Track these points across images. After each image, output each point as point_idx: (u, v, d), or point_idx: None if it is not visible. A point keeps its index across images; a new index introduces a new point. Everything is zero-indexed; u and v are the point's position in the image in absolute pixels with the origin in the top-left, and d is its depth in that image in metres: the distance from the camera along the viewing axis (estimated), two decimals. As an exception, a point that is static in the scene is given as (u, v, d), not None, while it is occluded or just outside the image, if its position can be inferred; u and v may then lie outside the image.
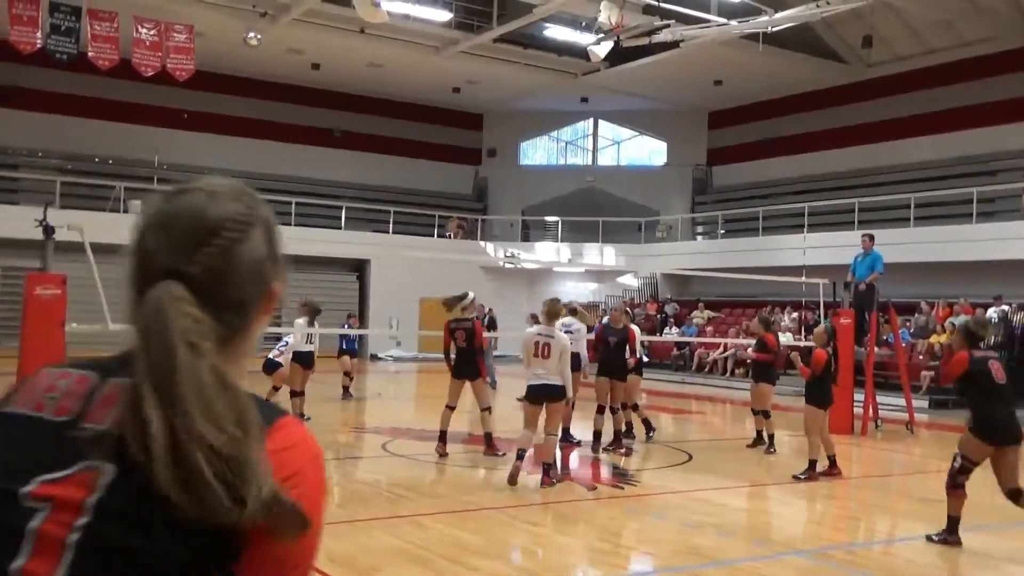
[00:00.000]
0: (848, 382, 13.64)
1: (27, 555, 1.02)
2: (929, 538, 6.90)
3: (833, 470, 9.75)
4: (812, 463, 9.59)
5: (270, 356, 12.94)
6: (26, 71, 24.10)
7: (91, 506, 1.04)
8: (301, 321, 12.37)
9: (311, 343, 12.42)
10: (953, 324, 18.84)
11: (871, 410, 13.88)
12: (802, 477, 9.45)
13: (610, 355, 10.84)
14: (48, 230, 7.97)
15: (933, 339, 18.90)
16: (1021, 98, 22.76)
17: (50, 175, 24.42)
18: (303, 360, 12.24)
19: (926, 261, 20.24)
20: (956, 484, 6.77)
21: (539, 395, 8.58)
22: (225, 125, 28.29)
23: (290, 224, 26.37)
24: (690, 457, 10.76)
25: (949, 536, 6.80)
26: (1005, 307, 18.84)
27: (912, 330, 19.52)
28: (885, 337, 17.01)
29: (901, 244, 19.39)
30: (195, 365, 1.06)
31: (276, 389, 12.96)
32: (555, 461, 8.98)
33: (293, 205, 26.56)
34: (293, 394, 12.11)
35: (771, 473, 10.36)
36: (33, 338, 8.01)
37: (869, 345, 14.05)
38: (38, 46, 20.01)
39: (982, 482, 6.90)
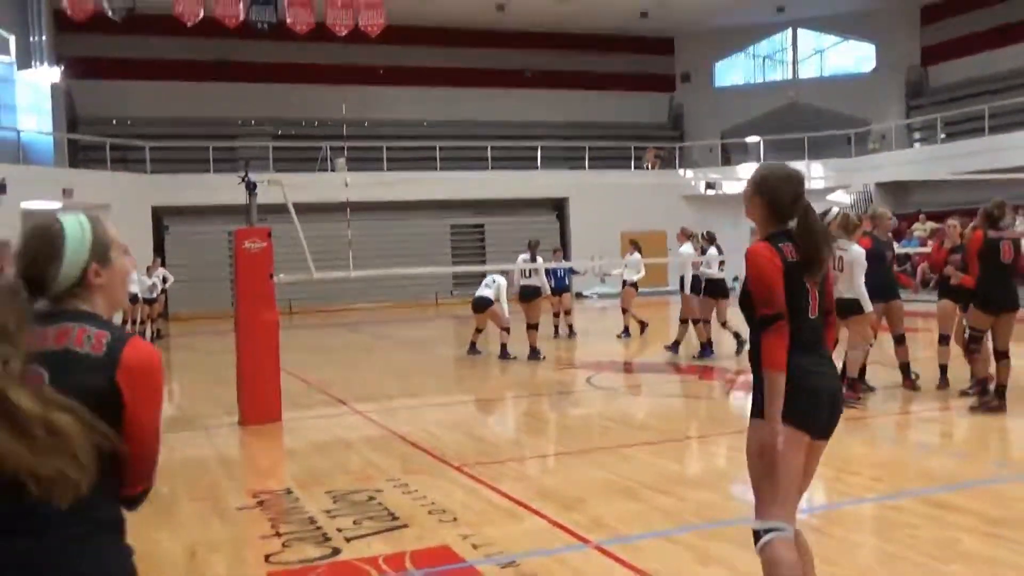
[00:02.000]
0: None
1: None
2: (972, 408, 7.78)
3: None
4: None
5: (479, 294, 13.06)
6: (232, 44, 25.45)
7: None
8: (524, 256, 13.05)
9: (530, 277, 13.04)
10: None
11: None
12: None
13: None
14: (251, 186, 8.31)
15: None
16: None
17: (263, 141, 25.83)
18: (528, 294, 12.97)
19: None
20: (970, 351, 8.01)
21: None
22: (418, 77, 28.85)
23: (487, 168, 26.70)
24: (917, 376, 10.00)
25: (987, 399, 7.75)
26: None
27: None
28: None
29: None
30: None
31: (479, 331, 13.27)
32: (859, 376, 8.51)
33: (489, 149, 26.84)
34: (529, 327, 12.83)
35: (1016, 390, 9.43)
36: (246, 289, 8.41)
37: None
38: (242, 18, 21.06)
39: None
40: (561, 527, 5.05)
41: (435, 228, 26.55)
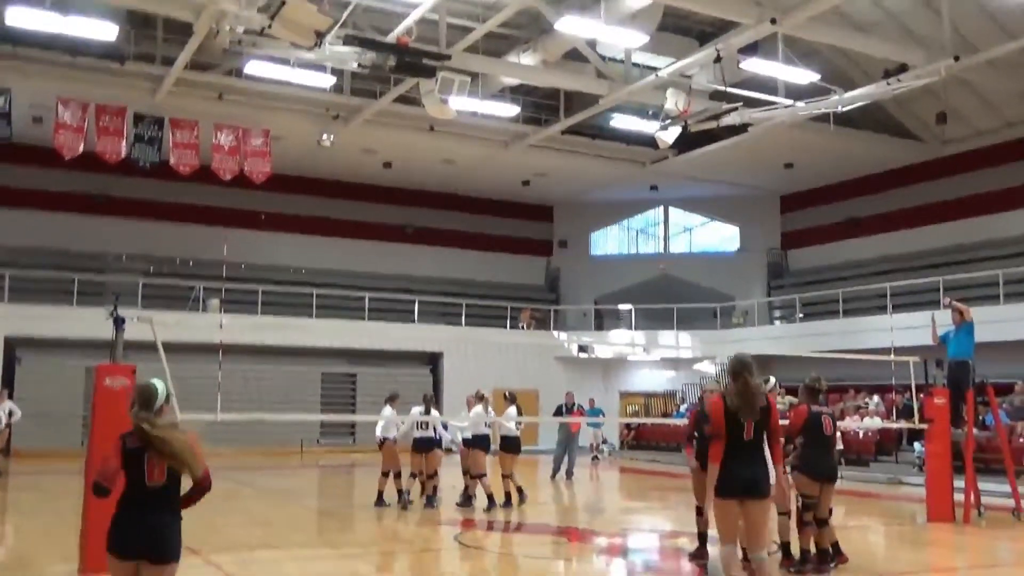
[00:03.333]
0: (945, 467, 12.90)
1: None
2: (788, 570, 8.20)
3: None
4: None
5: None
6: (112, 180, 25.08)
7: None
8: (418, 408, 13.33)
9: (426, 429, 13.29)
10: (1055, 404, 17.90)
11: (973, 496, 13.05)
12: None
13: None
14: (118, 321, 8.03)
15: (1034, 420, 17.90)
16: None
17: (134, 277, 25.15)
18: (423, 445, 13.33)
19: (1019, 339, 19.36)
20: (804, 522, 8.28)
21: None
22: (301, 225, 28.94)
23: (364, 319, 26.61)
24: (780, 547, 10.15)
25: (803, 567, 8.16)
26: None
27: (1009, 411, 18.54)
28: (983, 419, 16.17)
29: (992, 322, 18.50)
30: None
31: (385, 475, 13.52)
32: None
33: (367, 300, 26.83)
34: (429, 476, 13.31)
35: (874, 564, 9.68)
36: (102, 428, 7.98)
37: (968, 427, 13.29)
38: (123, 155, 20.83)
39: None
40: None
41: (306, 375, 26.04)
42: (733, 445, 6.14)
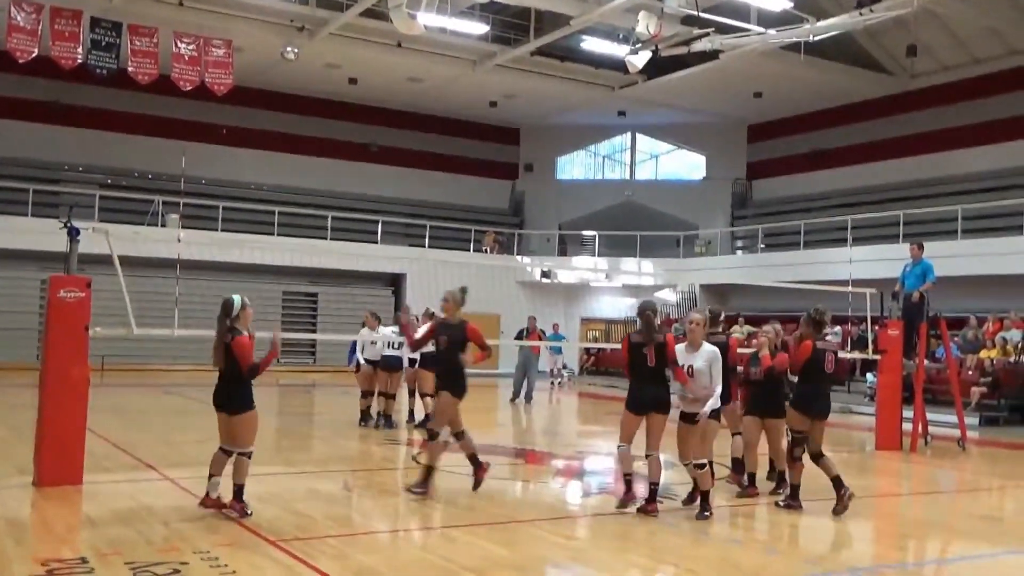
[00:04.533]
0: (895, 396, 13.19)
1: None
2: (776, 504, 8.26)
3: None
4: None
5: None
6: (68, 87, 24.37)
7: None
8: (393, 328, 13.61)
9: (398, 349, 13.55)
10: (1004, 339, 18.30)
11: (920, 426, 13.39)
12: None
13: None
14: (72, 232, 7.84)
15: (983, 354, 18.31)
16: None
17: (90, 189, 24.63)
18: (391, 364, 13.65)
19: (974, 274, 19.68)
20: (794, 457, 8.16)
21: None
22: (263, 140, 28.42)
23: (326, 238, 26.39)
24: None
25: (792, 501, 8.14)
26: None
27: (960, 345, 18.94)
28: (934, 351, 16.49)
29: (948, 257, 18.80)
30: None
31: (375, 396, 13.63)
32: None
33: (329, 219, 26.57)
34: (389, 396, 13.49)
35: (820, 490, 9.93)
36: (57, 340, 7.88)
37: (919, 359, 13.56)
38: (79, 61, 20.17)
39: None
40: (378, 608, 4.86)
41: (267, 293, 25.85)
42: (639, 371, 7.64)
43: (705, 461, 7.71)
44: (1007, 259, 19.66)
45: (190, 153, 23.90)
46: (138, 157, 26.30)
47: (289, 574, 5.55)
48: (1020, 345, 18.00)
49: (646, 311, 7.74)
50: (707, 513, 7.58)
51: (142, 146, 26.33)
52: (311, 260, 25.19)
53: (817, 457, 8.05)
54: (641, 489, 7.82)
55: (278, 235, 25.53)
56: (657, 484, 7.70)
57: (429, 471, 8.27)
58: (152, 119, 26.25)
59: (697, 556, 6.54)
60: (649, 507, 7.62)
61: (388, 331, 13.65)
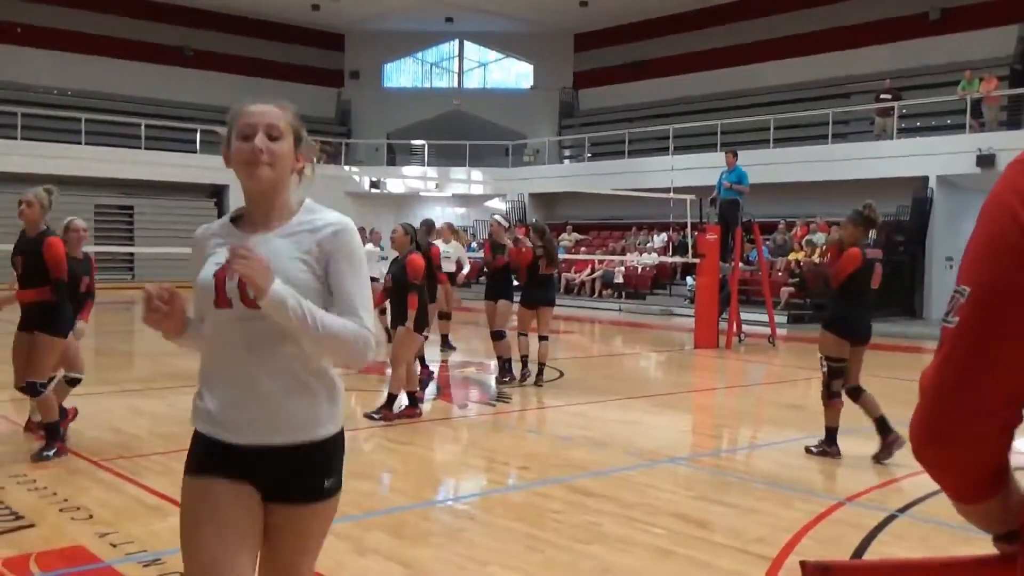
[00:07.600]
0: (713, 298, 13.90)
1: None
2: (808, 450, 6.76)
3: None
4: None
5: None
6: None
7: None
8: (370, 247, 13.34)
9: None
10: (811, 242, 19.50)
11: (735, 325, 14.21)
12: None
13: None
14: None
15: (791, 256, 19.50)
16: (872, 23, 23.48)
17: None
18: None
19: (784, 181, 20.77)
20: (832, 393, 6.59)
21: None
22: (66, 40, 26.37)
23: (140, 147, 25.01)
24: (561, 374, 10.74)
25: (828, 447, 6.67)
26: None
27: (771, 248, 20.09)
28: (748, 255, 17.43)
29: (761, 165, 19.74)
30: None
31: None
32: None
33: (143, 127, 25.13)
34: None
35: (642, 387, 10.43)
36: None
37: (734, 262, 14.30)
38: None
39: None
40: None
41: (76, 206, 24.27)
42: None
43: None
44: (814, 166, 20.83)
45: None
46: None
47: (115, 493, 5.37)
48: (824, 247, 19.26)
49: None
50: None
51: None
52: (125, 171, 23.83)
53: (856, 393, 6.60)
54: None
55: (86, 143, 23.94)
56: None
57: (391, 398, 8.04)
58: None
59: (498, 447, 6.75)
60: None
61: (369, 247, 13.07)
